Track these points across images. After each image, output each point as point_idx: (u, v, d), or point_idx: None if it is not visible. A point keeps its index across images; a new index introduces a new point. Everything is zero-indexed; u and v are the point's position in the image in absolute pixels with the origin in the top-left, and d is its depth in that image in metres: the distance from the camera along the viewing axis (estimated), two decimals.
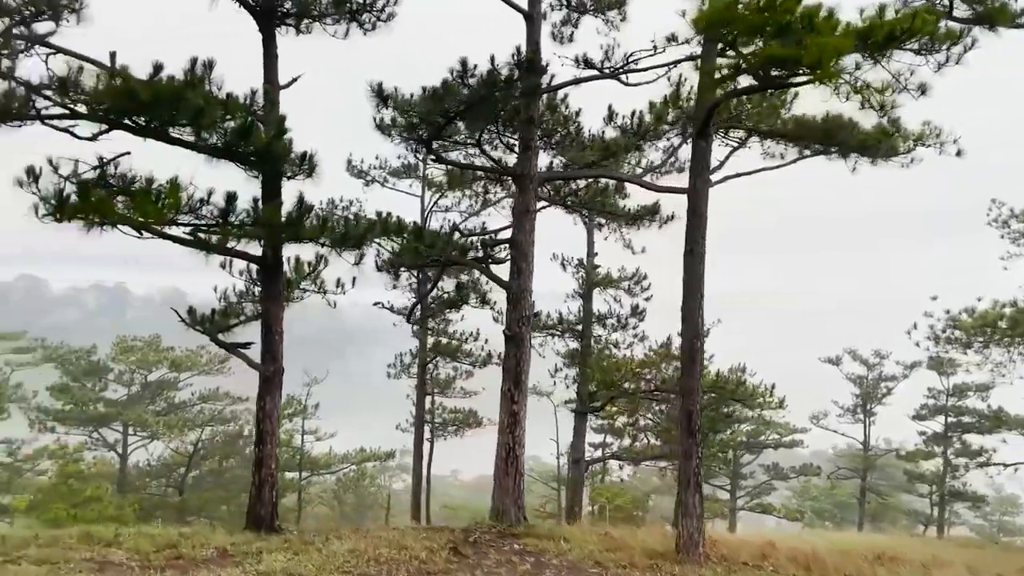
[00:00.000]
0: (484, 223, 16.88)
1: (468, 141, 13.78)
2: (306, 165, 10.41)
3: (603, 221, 24.63)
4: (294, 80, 11.63)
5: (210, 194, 9.47)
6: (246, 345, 12.53)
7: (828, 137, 12.16)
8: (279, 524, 11.56)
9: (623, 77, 13.57)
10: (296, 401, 40.04)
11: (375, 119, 17.10)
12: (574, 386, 33.76)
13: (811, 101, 14.65)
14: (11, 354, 41.48)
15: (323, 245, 10.95)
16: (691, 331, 11.17)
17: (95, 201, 8.11)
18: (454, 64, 11.55)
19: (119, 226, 9.06)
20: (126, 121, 9.66)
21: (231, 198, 9.48)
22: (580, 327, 26.30)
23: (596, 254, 26.48)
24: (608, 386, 23.28)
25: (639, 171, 18.70)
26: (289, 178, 10.78)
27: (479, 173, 19.37)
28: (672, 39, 11.12)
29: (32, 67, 9.69)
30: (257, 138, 9.34)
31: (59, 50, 9.90)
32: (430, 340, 27.05)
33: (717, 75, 10.60)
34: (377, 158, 28.12)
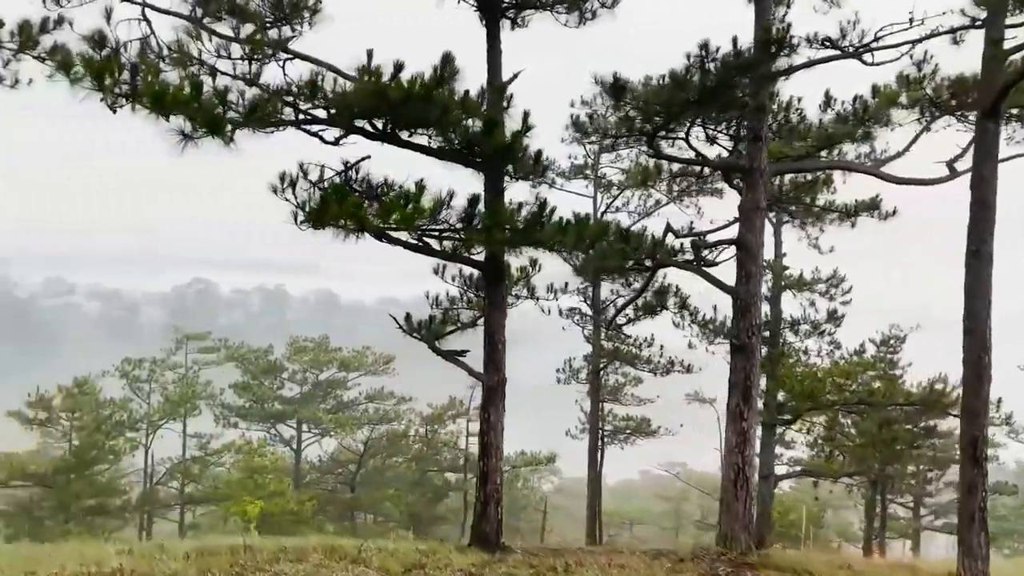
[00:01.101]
0: (692, 223, 15.76)
1: (676, 135, 12.72)
2: (539, 165, 9.77)
3: (790, 218, 22.90)
4: (515, 76, 11.04)
5: (451, 197, 9.01)
6: (462, 353, 12.13)
7: None
8: (503, 542, 11.02)
9: (866, 56, 12.11)
10: (459, 403, 40.39)
11: (573, 116, 16.40)
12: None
13: None
14: (197, 353, 44.29)
15: (552, 249, 10.29)
16: (977, 344, 9.62)
17: (351, 207, 7.78)
18: (689, 49, 10.57)
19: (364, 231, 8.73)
20: (359, 125, 9.41)
21: (474, 201, 8.98)
22: (768, 333, 24.55)
23: (784, 254, 24.70)
24: (806, 397, 21.48)
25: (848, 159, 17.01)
26: (519, 179, 10.19)
27: (672, 168, 18.27)
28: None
29: (271, 73, 9.61)
30: (498, 137, 8.78)
31: (296, 55, 9.78)
32: (604, 345, 26.16)
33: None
34: (547, 158, 27.57)
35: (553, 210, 9.16)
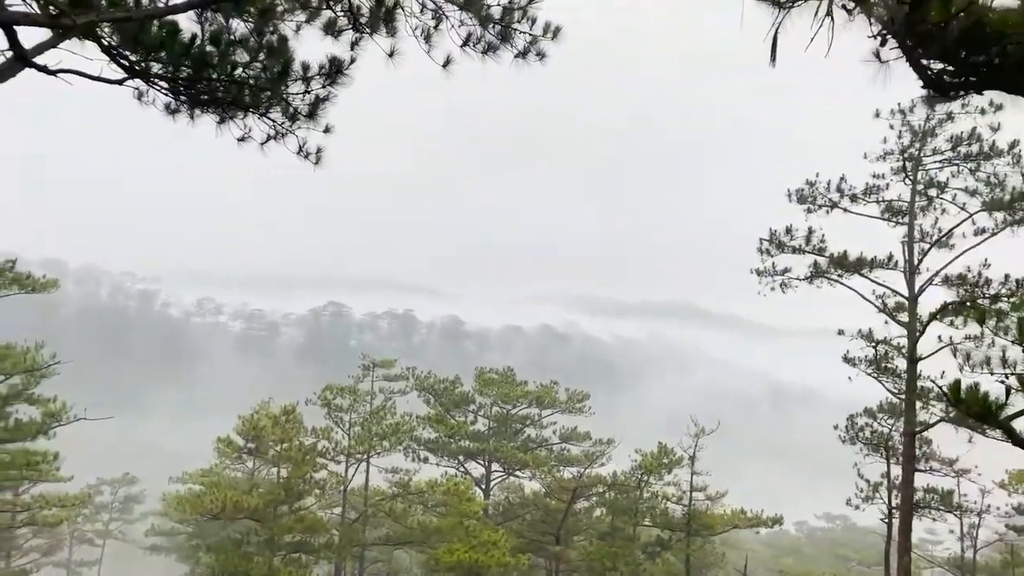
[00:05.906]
0: None
1: None
2: None
3: None
4: None
5: None
6: None
7: None
8: None
9: None
10: (670, 452, 36.33)
11: None
12: None
13: None
14: (383, 381, 42.30)
15: None
16: None
17: None
18: None
19: None
20: None
21: None
22: None
23: None
24: None
25: None
26: None
27: None
28: None
29: None
30: None
31: None
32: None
33: None
34: (844, 180, 23.96)
35: None
